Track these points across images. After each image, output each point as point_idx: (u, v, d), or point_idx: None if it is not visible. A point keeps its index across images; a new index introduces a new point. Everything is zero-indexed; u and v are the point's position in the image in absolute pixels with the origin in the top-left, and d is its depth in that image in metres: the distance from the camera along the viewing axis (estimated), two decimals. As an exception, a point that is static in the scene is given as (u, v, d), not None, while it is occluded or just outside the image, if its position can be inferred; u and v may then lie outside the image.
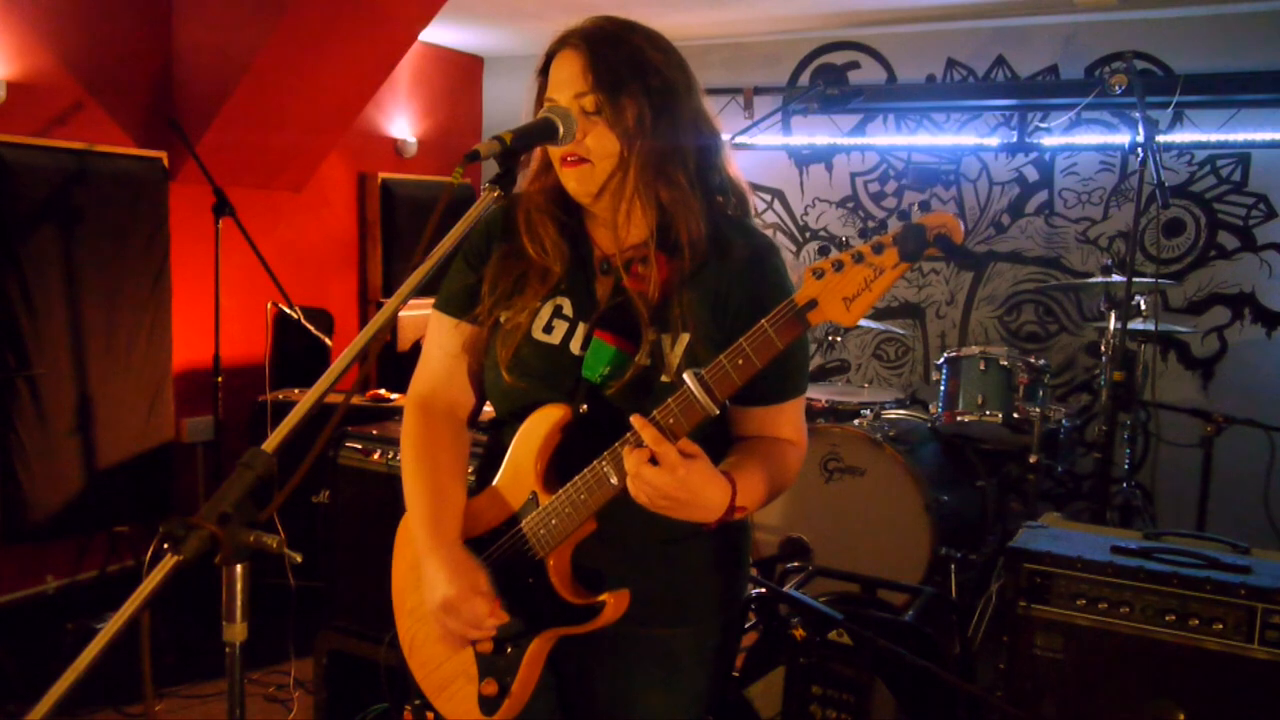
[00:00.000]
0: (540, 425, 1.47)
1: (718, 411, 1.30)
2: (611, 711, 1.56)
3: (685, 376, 1.30)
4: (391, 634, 1.65)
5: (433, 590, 1.47)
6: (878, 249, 1.22)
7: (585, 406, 1.46)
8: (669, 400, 1.31)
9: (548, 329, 1.51)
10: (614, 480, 1.37)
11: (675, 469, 1.28)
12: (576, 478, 1.41)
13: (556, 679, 1.59)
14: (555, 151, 1.45)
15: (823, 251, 5.27)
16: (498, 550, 1.50)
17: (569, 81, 1.42)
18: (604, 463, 1.38)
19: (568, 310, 1.51)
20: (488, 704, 1.52)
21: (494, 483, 1.53)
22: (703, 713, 1.58)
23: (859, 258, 1.23)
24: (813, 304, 1.25)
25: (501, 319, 1.52)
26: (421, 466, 1.55)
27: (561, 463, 1.47)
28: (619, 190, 1.45)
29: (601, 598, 1.44)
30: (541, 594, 1.47)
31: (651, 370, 1.43)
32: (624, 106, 1.41)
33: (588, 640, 1.49)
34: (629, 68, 1.42)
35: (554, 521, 1.44)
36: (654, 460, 1.29)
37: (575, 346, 1.49)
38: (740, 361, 1.28)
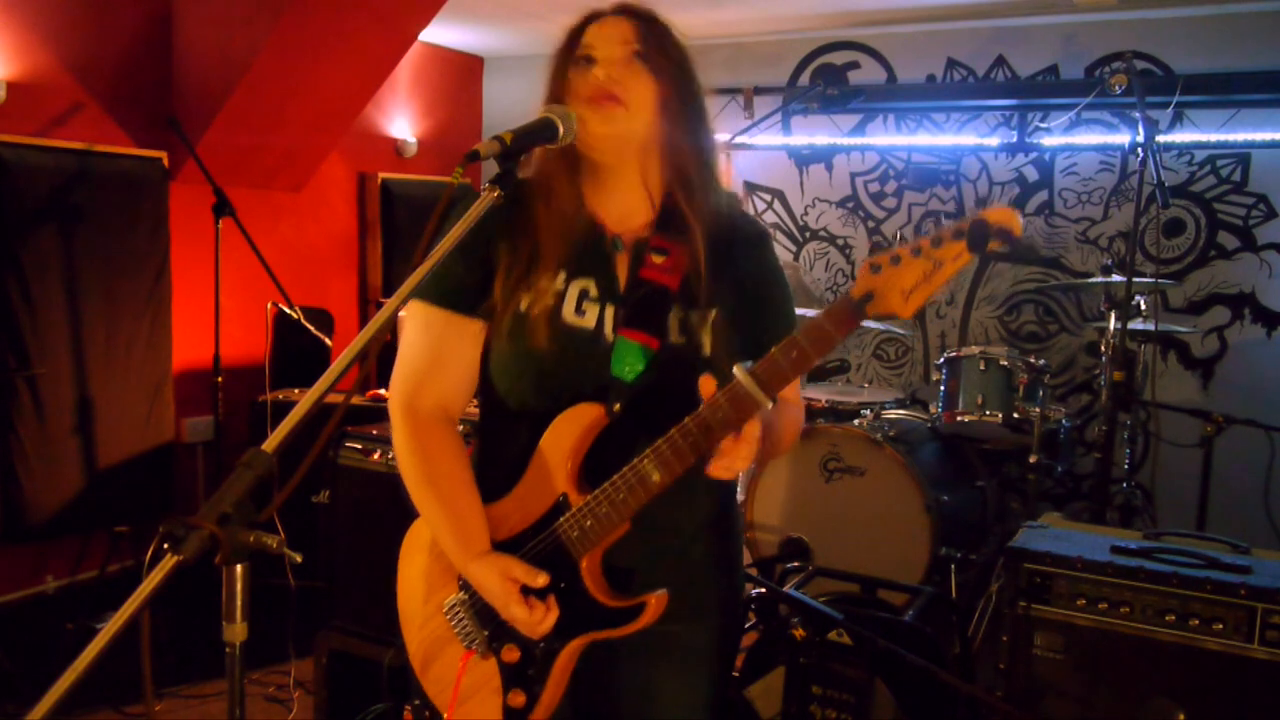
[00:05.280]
0: (572, 426, 1.43)
1: (770, 405, 1.30)
2: (635, 708, 1.55)
3: (735, 371, 1.30)
4: (398, 646, 1.59)
5: (490, 596, 1.45)
6: (937, 242, 1.21)
7: (618, 406, 1.43)
8: (717, 394, 1.31)
9: (579, 311, 1.48)
10: (656, 478, 1.35)
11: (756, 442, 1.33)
12: (615, 477, 1.38)
13: (571, 681, 1.56)
14: (587, 88, 1.45)
15: (833, 251, 5.27)
16: (527, 556, 1.45)
17: (617, 35, 1.46)
18: (646, 460, 1.35)
19: (593, 293, 1.49)
20: (514, 715, 1.47)
21: (518, 485, 1.48)
22: (714, 706, 1.59)
23: (917, 251, 1.22)
24: (869, 296, 1.24)
25: (523, 306, 1.47)
26: (431, 485, 1.48)
27: (592, 464, 1.44)
28: (645, 149, 1.48)
29: (644, 599, 1.40)
30: (575, 598, 1.43)
31: (687, 348, 1.45)
32: (666, 68, 1.46)
33: (610, 640, 1.46)
34: (673, 46, 1.49)
35: (589, 523, 1.41)
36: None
37: (608, 332, 1.47)
38: (795, 354, 1.27)
